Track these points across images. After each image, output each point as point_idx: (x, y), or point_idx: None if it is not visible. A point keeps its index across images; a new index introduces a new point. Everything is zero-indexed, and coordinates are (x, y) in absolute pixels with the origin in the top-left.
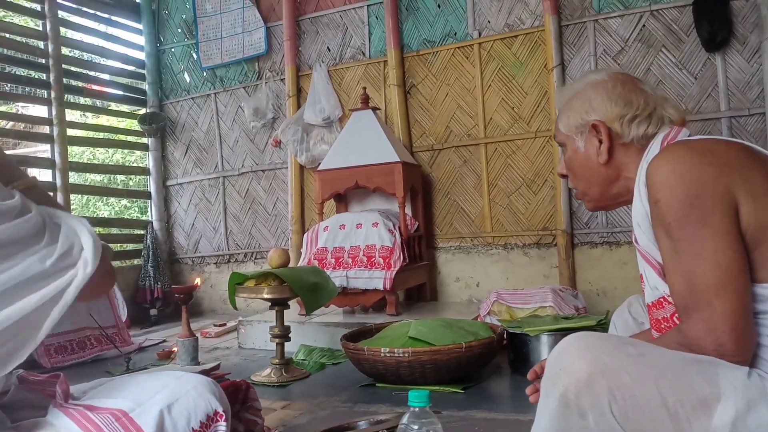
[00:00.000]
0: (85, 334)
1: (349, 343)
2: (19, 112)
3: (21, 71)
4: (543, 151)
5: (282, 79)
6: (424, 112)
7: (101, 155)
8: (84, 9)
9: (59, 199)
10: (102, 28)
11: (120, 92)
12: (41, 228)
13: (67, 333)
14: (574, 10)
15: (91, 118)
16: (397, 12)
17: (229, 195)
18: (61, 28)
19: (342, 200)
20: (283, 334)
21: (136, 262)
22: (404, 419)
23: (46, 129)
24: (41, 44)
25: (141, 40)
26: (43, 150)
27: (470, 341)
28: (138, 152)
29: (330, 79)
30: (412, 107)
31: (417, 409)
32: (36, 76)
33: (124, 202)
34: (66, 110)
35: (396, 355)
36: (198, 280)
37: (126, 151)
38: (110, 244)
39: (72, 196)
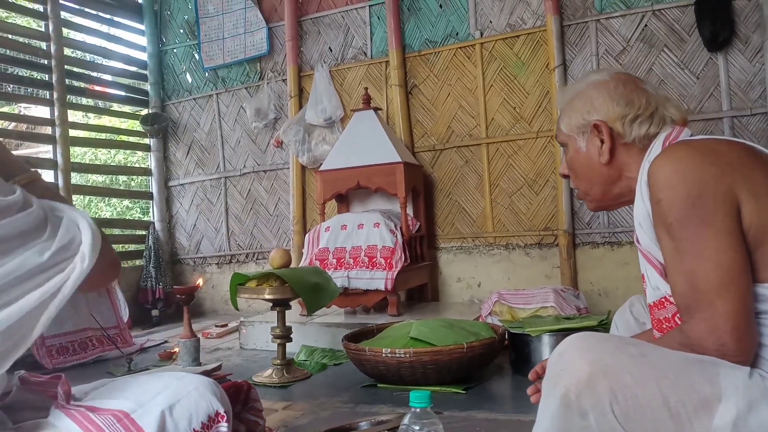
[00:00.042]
0: (87, 335)
1: (350, 343)
2: (22, 113)
3: (23, 72)
4: (545, 152)
5: (284, 80)
6: (426, 112)
7: (103, 156)
8: (86, 10)
9: None
10: (104, 28)
11: (122, 93)
12: (43, 221)
13: (69, 334)
14: (576, 10)
15: (93, 119)
16: (398, 12)
17: (230, 195)
18: (63, 29)
19: (343, 200)
20: (284, 335)
21: (137, 262)
22: (406, 420)
23: (48, 130)
24: (43, 45)
25: (143, 40)
26: (45, 151)
27: (471, 342)
28: (140, 153)
29: (332, 80)
30: (414, 107)
31: (418, 409)
32: (38, 77)
33: (126, 202)
34: (68, 111)
35: (397, 355)
36: (199, 281)
37: (128, 151)
38: (112, 245)
39: (74, 197)
